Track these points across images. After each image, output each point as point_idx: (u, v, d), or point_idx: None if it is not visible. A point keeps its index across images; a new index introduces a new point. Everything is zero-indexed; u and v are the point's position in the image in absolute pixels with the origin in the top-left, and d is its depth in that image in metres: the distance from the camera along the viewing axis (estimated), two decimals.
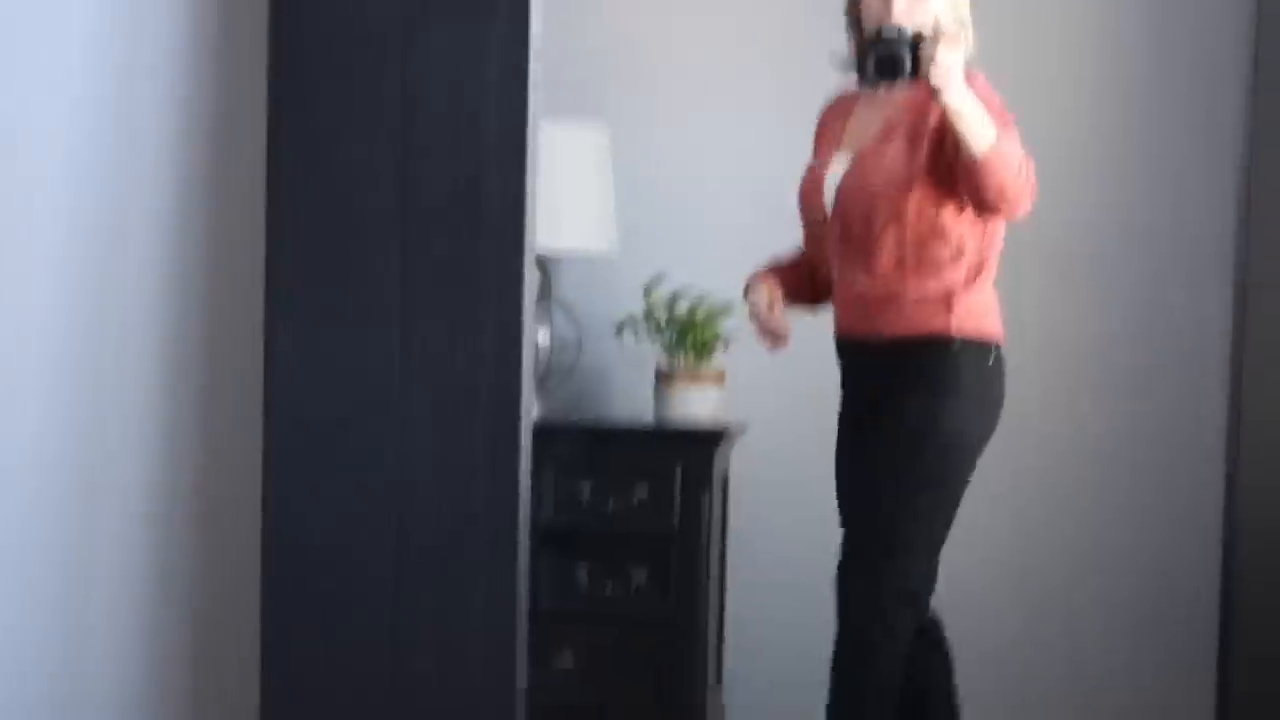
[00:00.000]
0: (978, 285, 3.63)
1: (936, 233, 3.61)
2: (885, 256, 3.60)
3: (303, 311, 2.31)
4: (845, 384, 3.70)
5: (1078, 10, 4.55)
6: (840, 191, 3.61)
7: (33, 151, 2.41)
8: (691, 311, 4.42)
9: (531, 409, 2.41)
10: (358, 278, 2.32)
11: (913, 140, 3.57)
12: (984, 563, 4.50)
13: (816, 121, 3.76)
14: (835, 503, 3.71)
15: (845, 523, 3.69)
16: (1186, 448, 4.52)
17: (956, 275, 3.62)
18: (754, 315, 3.70)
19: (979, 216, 3.55)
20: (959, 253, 3.61)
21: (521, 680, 2.32)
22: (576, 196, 4.21)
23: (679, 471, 4.33)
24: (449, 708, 2.29)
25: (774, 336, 3.69)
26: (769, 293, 3.69)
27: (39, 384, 2.44)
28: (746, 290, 3.73)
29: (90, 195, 2.44)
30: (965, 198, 3.51)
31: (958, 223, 3.59)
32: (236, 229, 2.44)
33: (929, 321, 3.62)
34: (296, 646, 2.31)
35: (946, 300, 3.63)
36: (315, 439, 2.32)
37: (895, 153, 3.57)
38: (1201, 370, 4.49)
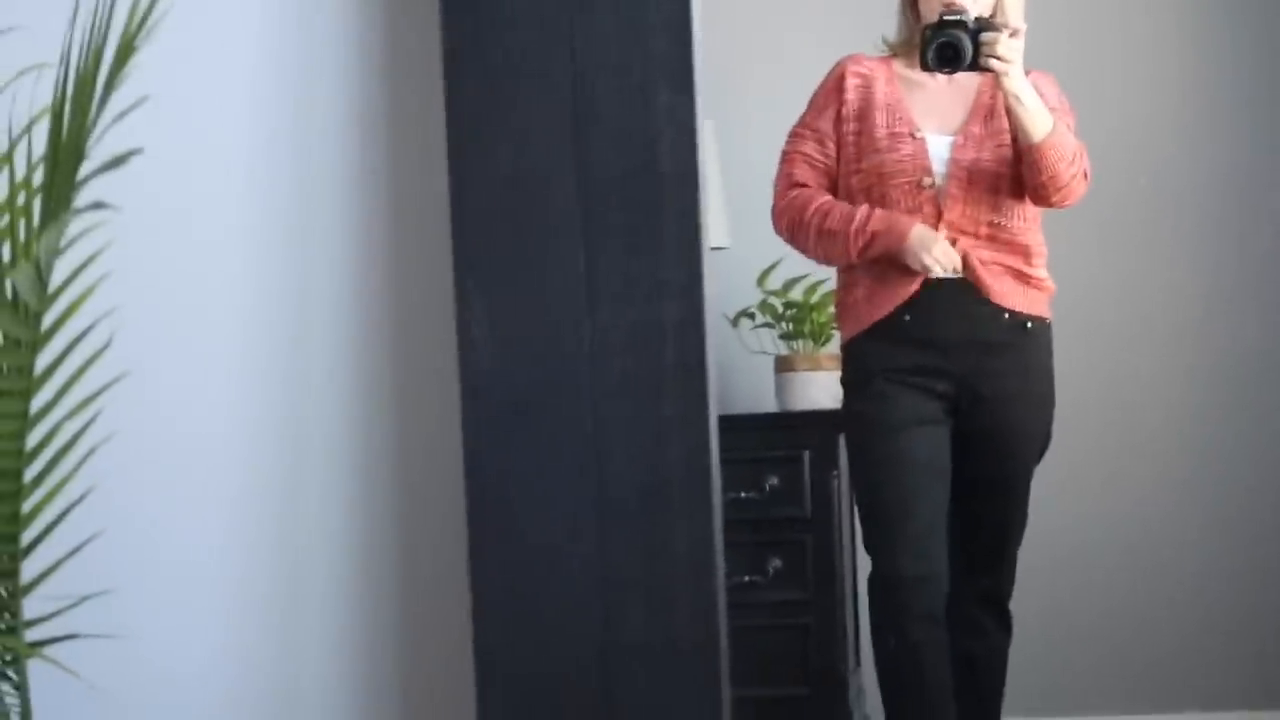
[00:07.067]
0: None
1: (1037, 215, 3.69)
2: (1019, 231, 3.65)
3: (491, 290, 2.36)
4: (921, 367, 3.64)
5: None
6: (968, 163, 3.63)
7: (215, 150, 2.49)
8: (806, 298, 4.48)
9: (714, 375, 2.45)
10: (542, 256, 2.38)
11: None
12: None
13: (839, 83, 3.72)
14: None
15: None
16: None
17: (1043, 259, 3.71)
18: (934, 261, 3.61)
19: (1033, 202, 3.61)
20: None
21: (723, 624, 2.37)
22: None
23: (806, 457, 4.36)
24: (659, 659, 2.34)
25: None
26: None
27: (237, 391, 2.50)
28: (915, 244, 3.59)
29: (277, 196, 2.50)
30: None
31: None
32: (420, 214, 2.50)
33: (1040, 303, 3.68)
34: (507, 622, 2.36)
35: (1043, 282, 3.70)
36: (511, 414, 2.37)
37: (1004, 130, 3.62)
38: None
